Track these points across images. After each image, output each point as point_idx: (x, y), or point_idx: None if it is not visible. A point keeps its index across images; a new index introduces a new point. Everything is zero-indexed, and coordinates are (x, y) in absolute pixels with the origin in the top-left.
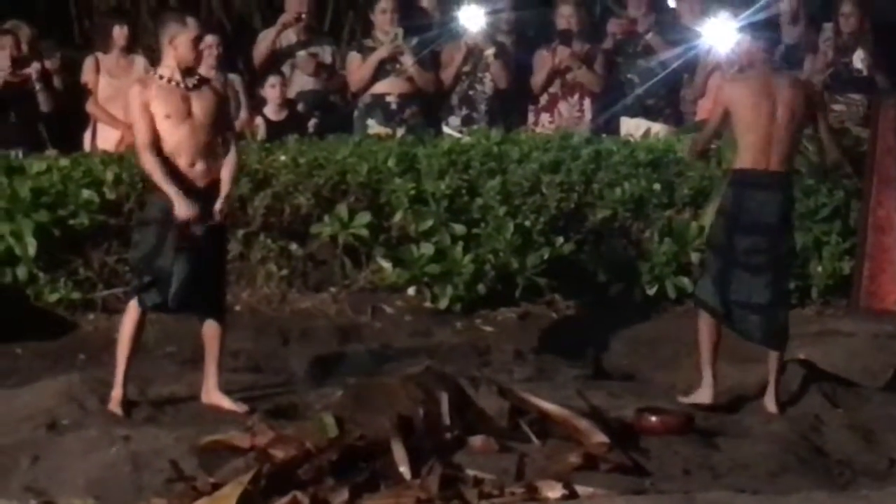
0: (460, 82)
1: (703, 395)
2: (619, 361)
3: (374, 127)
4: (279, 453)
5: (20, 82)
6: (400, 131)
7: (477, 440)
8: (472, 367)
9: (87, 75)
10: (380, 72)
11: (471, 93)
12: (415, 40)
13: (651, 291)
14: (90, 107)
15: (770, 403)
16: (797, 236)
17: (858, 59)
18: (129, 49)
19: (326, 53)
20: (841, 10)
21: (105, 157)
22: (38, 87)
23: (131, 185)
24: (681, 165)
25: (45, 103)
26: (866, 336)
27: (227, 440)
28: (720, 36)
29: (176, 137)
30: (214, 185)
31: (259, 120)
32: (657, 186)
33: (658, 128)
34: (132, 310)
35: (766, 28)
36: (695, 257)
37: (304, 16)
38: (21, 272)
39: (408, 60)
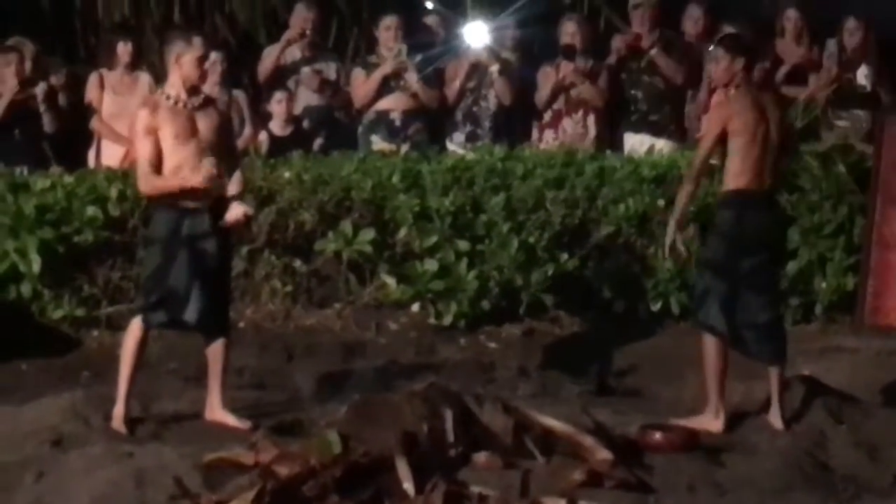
0: (464, 98)
1: (714, 424)
2: (624, 378)
3: (378, 143)
4: (283, 470)
5: (25, 100)
6: (404, 147)
7: (481, 457)
8: (477, 383)
9: (91, 92)
10: (384, 88)
11: (475, 109)
12: (419, 57)
13: (655, 308)
14: (94, 123)
15: (776, 420)
16: (801, 252)
17: (862, 76)
18: (134, 66)
19: (331, 70)
20: (845, 27)
21: (109, 174)
22: (42, 107)
23: (136, 202)
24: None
25: (48, 124)
26: (870, 352)
27: (231, 457)
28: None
29: (181, 157)
30: (219, 203)
31: (263, 135)
32: (661, 202)
33: (662, 144)
34: (136, 327)
35: (744, 45)
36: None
37: (308, 32)
38: (25, 289)
39: (411, 77)
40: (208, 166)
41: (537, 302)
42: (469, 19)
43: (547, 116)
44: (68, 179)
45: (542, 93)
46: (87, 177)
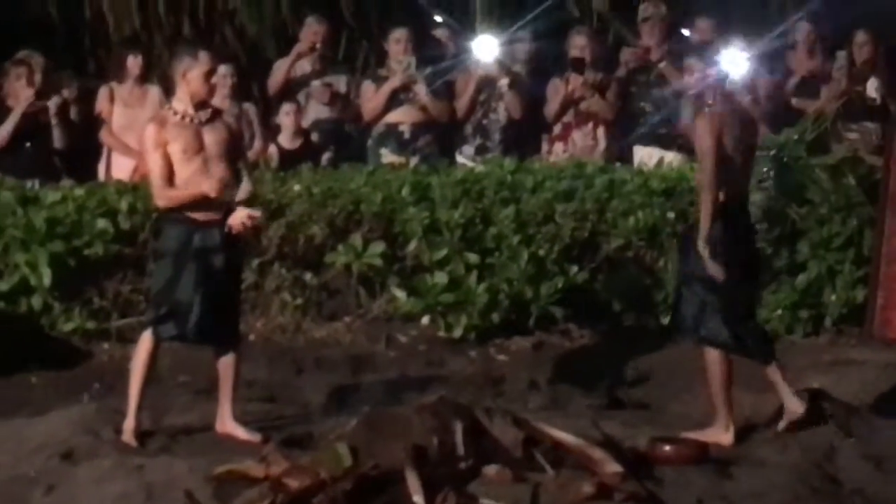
0: (474, 111)
1: (724, 437)
2: (634, 390)
3: (387, 156)
4: (294, 483)
5: (35, 113)
6: (413, 160)
7: (491, 469)
8: (487, 396)
9: (101, 105)
10: (393, 101)
11: (485, 122)
12: (428, 70)
13: (665, 320)
14: (105, 136)
15: (794, 404)
16: (811, 265)
17: (872, 88)
18: (144, 78)
19: (341, 83)
20: (855, 39)
21: (120, 187)
22: (54, 121)
23: (146, 215)
24: (694, 194)
25: (59, 140)
26: (879, 365)
27: (241, 470)
28: (733, 64)
29: (189, 171)
30: (230, 216)
31: (273, 148)
32: (671, 215)
33: (671, 156)
34: (146, 340)
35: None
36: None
37: (318, 45)
38: (36, 302)
39: (421, 89)
40: (219, 176)
41: (547, 315)
42: (478, 32)
43: (556, 129)
44: (79, 192)
45: (552, 106)
46: (98, 190)
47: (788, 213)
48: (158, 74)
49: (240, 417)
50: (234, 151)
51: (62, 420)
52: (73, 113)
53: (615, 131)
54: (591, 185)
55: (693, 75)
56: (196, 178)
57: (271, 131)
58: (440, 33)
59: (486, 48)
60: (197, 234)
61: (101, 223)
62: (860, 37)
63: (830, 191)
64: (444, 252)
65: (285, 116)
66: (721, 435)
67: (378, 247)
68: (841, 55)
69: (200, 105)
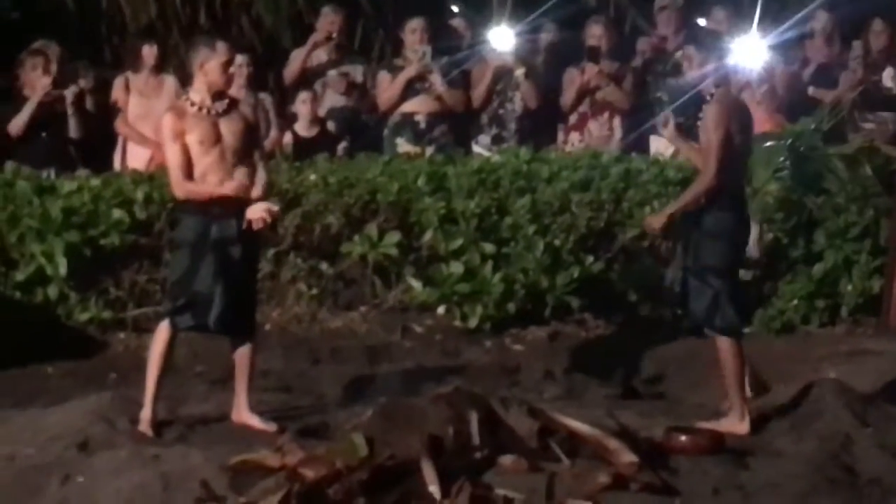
0: (490, 101)
1: (740, 427)
2: (649, 380)
3: (403, 146)
4: (309, 473)
5: (51, 103)
6: (429, 150)
7: (507, 460)
8: (502, 386)
9: (117, 95)
10: (409, 91)
11: (501, 112)
12: (444, 59)
13: (681, 310)
14: (120, 126)
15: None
16: (827, 254)
17: (888, 77)
18: (159, 68)
19: (357, 72)
20: (871, 28)
21: (135, 177)
22: (70, 111)
23: (161, 205)
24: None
25: (75, 130)
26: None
27: (257, 460)
28: (749, 54)
29: (206, 162)
30: (246, 207)
31: (288, 137)
32: None
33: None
34: (163, 330)
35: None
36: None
37: (334, 35)
38: (52, 291)
39: (436, 79)
40: (241, 178)
41: (563, 305)
42: (494, 22)
43: (572, 119)
44: (95, 182)
45: (568, 95)
46: (114, 180)
47: (805, 203)
48: (174, 64)
49: (256, 407)
50: (250, 142)
51: (78, 410)
52: (89, 102)
53: (631, 121)
54: (607, 175)
55: (692, 65)
56: (212, 172)
57: (287, 121)
58: (456, 23)
59: (502, 38)
60: (214, 224)
61: (117, 213)
62: (877, 25)
63: (847, 180)
64: (459, 242)
65: (302, 104)
66: (737, 424)
67: (394, 237)
68: (857, 44)
69: (218, 96)
